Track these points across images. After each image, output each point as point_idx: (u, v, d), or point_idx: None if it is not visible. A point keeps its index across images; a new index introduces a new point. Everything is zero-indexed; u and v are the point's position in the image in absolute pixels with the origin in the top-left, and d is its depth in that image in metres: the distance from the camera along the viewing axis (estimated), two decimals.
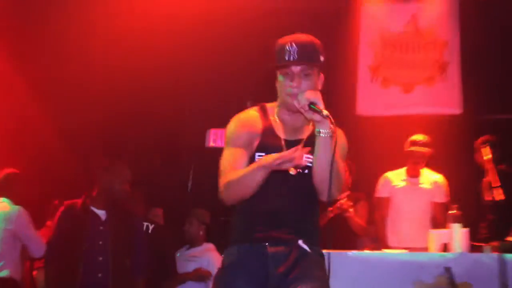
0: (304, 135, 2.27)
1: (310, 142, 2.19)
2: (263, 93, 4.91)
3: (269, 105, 2.33)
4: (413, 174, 4.54)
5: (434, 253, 3.42)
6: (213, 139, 5.61)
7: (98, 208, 3.59)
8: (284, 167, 1.99)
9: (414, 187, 4.51)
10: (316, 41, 2.21)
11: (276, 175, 2.12)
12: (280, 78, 2.21)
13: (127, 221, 3.69)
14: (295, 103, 2.13)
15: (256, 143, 2.23)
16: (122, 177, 3.69)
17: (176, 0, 5.36)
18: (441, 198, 4.43)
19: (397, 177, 4.61)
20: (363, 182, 4.85)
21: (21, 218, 4.11)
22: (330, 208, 4.27)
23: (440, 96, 5.25)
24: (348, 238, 4.48)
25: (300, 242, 2.22)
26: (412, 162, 4.52)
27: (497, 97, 5.20)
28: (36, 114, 5.84)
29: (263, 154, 2.21)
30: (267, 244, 2.18)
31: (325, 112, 2.03)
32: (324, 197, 2.19)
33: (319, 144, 2.13)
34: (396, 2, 5.41)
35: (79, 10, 5.36)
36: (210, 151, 5.68)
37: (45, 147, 5.70)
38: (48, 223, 4.66)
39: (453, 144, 4.87)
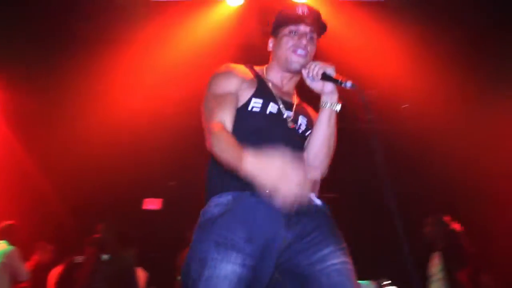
0: (293, 101, 2.21)
1: (298, 110, 2.18)
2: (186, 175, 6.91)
3: (256, 67, 2.26)
4: None
5: None
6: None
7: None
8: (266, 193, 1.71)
9: None
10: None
11: (280, 128, 2.04)
12: (283, 38, 2.17)
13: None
14: (304, 71, 2.10)
15: (252, 89, 2.10)
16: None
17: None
18: None
19: None
20: None
21: (14, 254, 5.70)
22: None
23: None
24: None
25: (312, 195, 2.00)
26: None
27: None
28: (33, 171, 7.06)
29: (260, 100, 2.08)
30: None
31: (349, 83, 2.00)
32: (316, 173, 2.08)
33: (323, 117, 2.07)
34: None
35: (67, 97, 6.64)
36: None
37: (40, 199, 6.99)
38: (33, 257, 6.27)
39: None
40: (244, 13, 5.86)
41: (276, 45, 2.22)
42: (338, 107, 2.11)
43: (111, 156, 6.96)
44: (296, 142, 2.11)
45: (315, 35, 2.20)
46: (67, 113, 6.93)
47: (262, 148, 1.82)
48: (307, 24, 2.15)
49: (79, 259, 5.80)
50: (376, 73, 6.48)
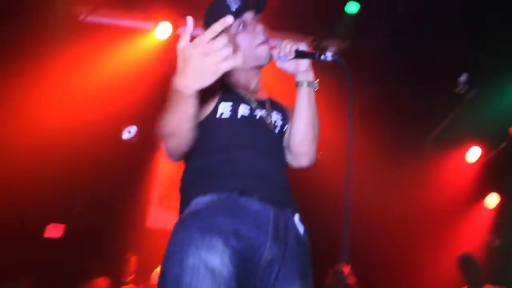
0: (263, 96, 2.06)
1: (272, 103, 2.03)
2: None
3: None
4: None
5: None
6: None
7: None
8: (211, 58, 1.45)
9: None
10: None
11: (256, 131, 1.88)
12: (235, 37, 1.94)
13: None
14: (275, 53, 1.92)
15: (219, 93, 1.90)
16: None
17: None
18: None
19: None
20: (147, 272, 6.46)
21: None
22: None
23: None
24: None
25: (297, 219, 1.87)
26: None
27: None
28: None
29: (230, 103, 1.91)
30: (267, 201, 1.72)
31: (330, 54, 1.83)
32: (305, 160, 1.97)
33: (302, 97, 1.90)
34: None
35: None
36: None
37: None
38: None
39: None
40: (170, 46, 5.91)
41: None
42: (317, 85, 2.00)
43: (14, 174, 6.64)
44: (274, 142, 2.00)
45: (259, 16, 2.03)
46: None
47: (239, 157, 1.82)
48: (248, 9, 1.98)
49: None
50: None
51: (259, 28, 1.97)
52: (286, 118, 2.10)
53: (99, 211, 7.30)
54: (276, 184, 1.87)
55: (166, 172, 7.78)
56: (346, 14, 5.41)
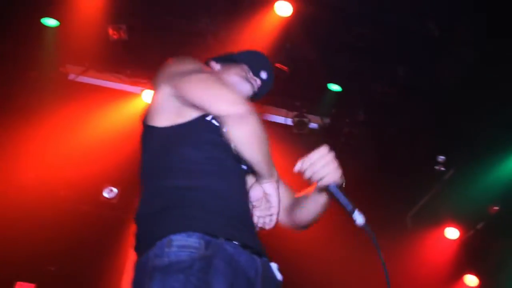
0: None
1: None
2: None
3: None
4: None
5: None
6: None
7: None
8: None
9: None
10: None
11: (236, 157, 1.78)
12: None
13: None
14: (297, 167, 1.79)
15: None
16: None
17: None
18: None
19: None
20: None
21: None
22: None
23: None
24: None
25: (275, 267, 1.77)
26: None
27: None
28: None
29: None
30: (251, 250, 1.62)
31: (360, 219, 1.73)
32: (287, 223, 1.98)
33: (320, 201, 1.92)
34: None
35: None
36: None
37: None
38: None
39: None
40: None
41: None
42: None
43: None
44: (245, 176, 1.97)
45: None
46: None
47: (224, 187, 1.72)
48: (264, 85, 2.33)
49: None
50: None
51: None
52: None
53: (74, 272, 7.15)
54: (252, 226, 1.80)
55: None
56: (329, 92, 5.59)
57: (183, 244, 1.50)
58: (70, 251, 7.14)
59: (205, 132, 1.82)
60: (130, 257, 7.62)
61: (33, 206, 6.88)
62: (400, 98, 5.37)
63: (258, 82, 2.21)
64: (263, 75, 2.26)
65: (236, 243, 1.60)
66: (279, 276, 1.76)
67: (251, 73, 2.19)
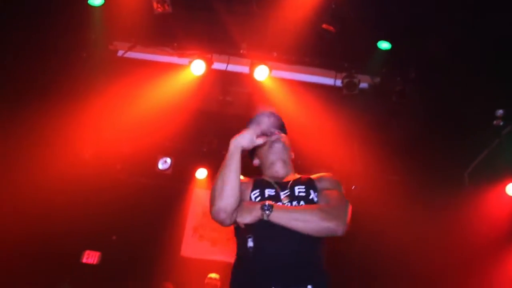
0: (289, 179, 2.47)
1: (293, 183, 2.41)
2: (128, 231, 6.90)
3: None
4: None
5: None
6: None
7: None
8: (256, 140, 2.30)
9: None
10: None
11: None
12: None
13: None
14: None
15: (250, 188, 2.40)
16: None
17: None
18: None
19: None
20: None
21: None
22: None
23: (233, 251, 7.51)
24: None
25: None
26: None
27: None
28: None
29: (257, 191, 2.39)
30: None
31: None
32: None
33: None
34: None
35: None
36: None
37: None
38: None
39: None
40: (205, 80, 6.05)
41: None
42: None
43: (54, 204, 6.90)
44: None
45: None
46: (17, 158, 6.87)
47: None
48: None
49: None
50: (328, 154, 6.73)
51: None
52: (310, 187, 2.44)
53: (135, 240, 7.45)
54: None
55: (199, 204, 7.91)
56: (379, 50, 5.42)
57: None
58: (129, 221, 7.46)
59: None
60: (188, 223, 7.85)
61: (93, 180, 7.20)
62: (453, 53, 5.14)
63: (273, 131, 2.52)
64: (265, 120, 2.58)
65: None
66: None
67: (264, 134, 2.46)
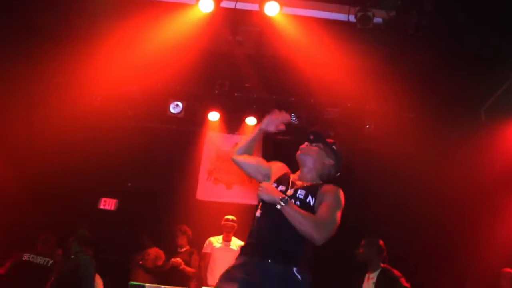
0: (301, 184, 2.97)
1: (299, 187, 2.91)
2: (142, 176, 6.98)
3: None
4: (226, 239, 6.53)
5: None
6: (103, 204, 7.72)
7: None
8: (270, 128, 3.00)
9: (226, 248, 6.47)
10: None
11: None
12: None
13: None
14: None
15: (277, 176, 3.02)
16: None
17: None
18: None
19: (216, 240, 6.58)
20: (199, 242, 6.74)
21: None
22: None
23: (248, 193, 7.49)
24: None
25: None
26: (225, 231, 6.55)
27: None
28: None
29: (275, 184, 2.96)
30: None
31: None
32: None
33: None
34: (226, 133, 7.80)
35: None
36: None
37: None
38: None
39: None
40: (214, 20, 5.88)
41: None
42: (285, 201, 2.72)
43: (67, 153, 6.93)
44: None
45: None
46: (24, 105, 6.86)
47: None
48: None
49: (26, 256, 5.81)
50: (341, 92, 6.62)
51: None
52: (309, 193, 2.90)
53: (150, 185, 7.50)
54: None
55: (212, 147, 7.89)
56: None
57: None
58: (144, 167, 7.51)
59: None
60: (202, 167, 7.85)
61: (104, 128, 7.19)
62: None
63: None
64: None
65: None
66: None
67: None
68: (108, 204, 7.52)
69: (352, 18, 5.55)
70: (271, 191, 2.77)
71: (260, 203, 2.88)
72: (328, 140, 3.14)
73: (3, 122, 6.84)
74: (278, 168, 3.10)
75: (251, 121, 7.49)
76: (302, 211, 2.69)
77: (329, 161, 3.08)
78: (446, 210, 6.89)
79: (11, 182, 6.88)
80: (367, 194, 6.81)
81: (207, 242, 6.65)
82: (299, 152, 3.10)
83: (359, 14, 5.38)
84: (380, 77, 6.20)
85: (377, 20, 5.57)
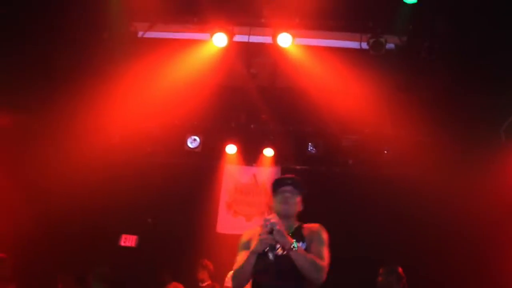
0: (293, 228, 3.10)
1: (294, 235, 2.98)
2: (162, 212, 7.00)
3: None
4: None
5: None
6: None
7: None
8: (263, 248, 2.82)
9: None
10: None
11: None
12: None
13: None
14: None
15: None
16: None
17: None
18: None
19: None
20: (220, 275, 6.57)
21: None
22: None
23: None
24: None
25: None
26: None
27: None
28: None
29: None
30: None
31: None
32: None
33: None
34: (244, 165, 7.87)
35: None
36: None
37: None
38: None
39: None
40: (228, 54, 5.97)
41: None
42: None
43: (87, 191, 6.99)
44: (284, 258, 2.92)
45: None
46: (44, 145, 6.96)
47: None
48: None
49: None
50: (358, 119, 6.63)
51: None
52: (301, 239, 3.03)
53: (170, 220, 7.51)
54: None
55: (231, 179, 7.91)
56: (404, 6, 5.21)
57: None
58: (163, 203, 7.53)
59: None
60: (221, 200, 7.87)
61: (124, 165, 7.26)
62: (481, 2, 4.93)
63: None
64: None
65: None
66: None
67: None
68: (128, 240, 7.53)
69: (364, 45, 5.61)
70: (284, 234, 2.83)
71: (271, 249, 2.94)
72: (301, 182, 3.21)
73: (23, 161, 6.96)
74: (249, 236, 3.12)
75: (268, 152, 7.51)
76: (308, 255, 2.85)
77: (300, 200, 3.18)
78: (467, 234, 6.76)
79: (31, 221, 6.91)
80: (387, 220, 6.74)
81: (228, 275, 6.54)
82: (285, 206, 3.12)
83: (371, 41, 5.42)
84: (395, 102, 6.21)
85: (390, 46, 5.62)
